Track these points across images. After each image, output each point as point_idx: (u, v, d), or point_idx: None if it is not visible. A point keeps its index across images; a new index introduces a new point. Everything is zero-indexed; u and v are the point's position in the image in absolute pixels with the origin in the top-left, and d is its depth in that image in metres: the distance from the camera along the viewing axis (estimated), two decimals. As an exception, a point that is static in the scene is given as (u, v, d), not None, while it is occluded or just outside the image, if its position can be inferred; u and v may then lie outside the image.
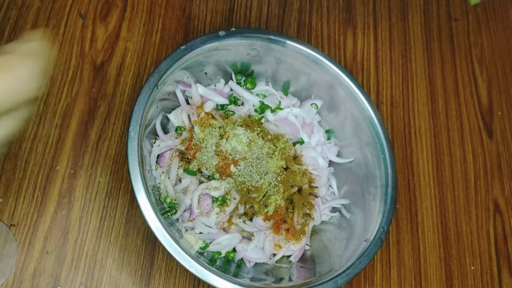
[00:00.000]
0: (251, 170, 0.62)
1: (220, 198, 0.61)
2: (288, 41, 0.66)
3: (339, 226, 0.67)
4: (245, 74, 0.70)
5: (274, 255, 0.64)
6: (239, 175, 0.62)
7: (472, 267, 0.73)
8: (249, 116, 0.68)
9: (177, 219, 0.62)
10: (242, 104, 0.69)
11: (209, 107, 0.65)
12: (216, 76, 0.69)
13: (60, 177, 0.65)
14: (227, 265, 0.62)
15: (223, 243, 0.62)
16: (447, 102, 0.83)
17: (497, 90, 0.86)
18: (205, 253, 0.61)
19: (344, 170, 0.69)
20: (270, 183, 0.62)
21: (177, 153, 0.64)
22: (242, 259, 0.63)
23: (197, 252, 0.60)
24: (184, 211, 0.62)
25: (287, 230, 0.63)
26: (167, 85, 0.61)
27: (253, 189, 0.61)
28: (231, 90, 0.69)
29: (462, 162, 0.79)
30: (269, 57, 0.67)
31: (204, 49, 0.63)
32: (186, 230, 0.62)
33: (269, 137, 0.65)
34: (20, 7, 0.73)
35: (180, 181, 0.63)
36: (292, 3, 0.84)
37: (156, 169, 0.63)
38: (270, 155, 0.64)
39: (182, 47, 0.61)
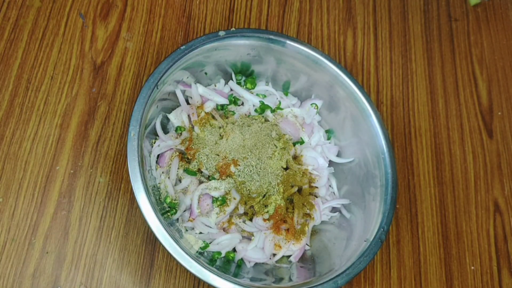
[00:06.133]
0: (251, 170, 0.62)
1: (220, 198, 0.61)
2: (288, 41, 0.66)
3: (339, 226, 0.67)
4: (245, 74, 0.70)
5: (274, 255, 0.64)
6: (239, 175, 0.62)
7: (472, 267, 0.73)
8: (249, 115, 0.68)
9: (177, 219, 0.62)
10: (242, 104, 0.69)
11: (209, 107, 0.65)
12: (216, 76, 0.69)
13: (60, 177, 0.65)
14: (227, 265, 0.62)
15: (223, 243, 0.62)
16: (447, 102, 0.83)
17: (497, 90, 0.86)
18: (205, 253, 0.61)
19: (344, 170, 0.69)
20: (270, 183, 0.62)
21: (177, 153, 0.64)
22: (242, 259, 0.63)
23: (197, 252, 0.60)
24: (184, 211, 0.62)
25: (287, 230, 0.63)
26: (167, 85, 0.61)
27: (253, 189, 0.61)
28: (231, 90, 0.69)
29: (462, 162, 0.79)
30: (269, 57, 0.67)
31: (204, 49, 0.63)
32: (186, 230, 0.62)
33: (274, 135, 0.65)
34: (20, 7, 0.73)
35: (180, 181, 0.63)
36: (292, 3, 0.84)
37: (156, 169, 0.63)
38: (270, 155, 0.64)
39: (182, 47, 0.61)
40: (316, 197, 0.67)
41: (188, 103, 0.66)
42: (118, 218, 0.65)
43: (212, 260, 0.61)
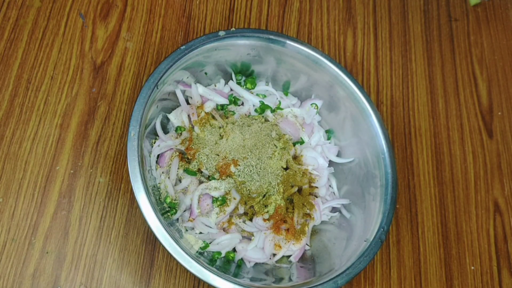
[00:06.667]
0: (251, 170, 0.62)
1: (220, 198, 0.61)
2: (288, 41, 0.66)
3: (339, 226, 0.67)
4: (245, 74, 0.70)
5: (274, 255, 0.64)
6: (239, 175, 0.62)
7: (472, 267, 0.73)
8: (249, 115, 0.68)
9: (177, 219, 0.62)
10: (242, 104, 0.69)
11: (209, 107, 0.65)
12: (216, 76, 0.69)
13: (60, 177, 0.65)
14: (227, 265, 0.62)
15: (223, 243, 0.62)
16: (447, 102, 0.83)
17: (497, 90, 0.86)
18: (205, 253, 0.61)
19: (344, 170, 0.69)
20: (270, 183, 0.62)
21: (177, 153, 0.64)
22: (242, 259, 0.63)
23: (197, 252, 0.60)
24: (184, 211, 0.62)
25: (287, 230, 0.63)
26: (167, 85, 0.61)
27: (253, 189, 0.61)
28: (231, 90, 0.69)
29: (462, 162, 0.79)
30: (269, 57, 0.67)
31: (204, 49, 0.63)
32: (186, 230, 0.62)
33: (274, 135, 0.65)
34: (20, 7, 0.73)
35: (180, 181, 0.63)
36: (292, 3, 0.84)
37: (156, 169, 0.63)
38: (270, 155, 0.64)
39: (182, 47, 0.61)
40: (316, 197, 0.67)
41: (188, 103, 0.66)
42: (118, 218, 0.65)
43: (212, 260, 0.61)
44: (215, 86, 0.69)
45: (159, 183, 0.63)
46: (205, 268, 0.52)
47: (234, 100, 0.68)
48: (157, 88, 0.59)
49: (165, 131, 0.66)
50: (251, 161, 0.62)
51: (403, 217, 0.74)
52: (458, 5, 0.91)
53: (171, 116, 0.65)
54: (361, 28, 0.85)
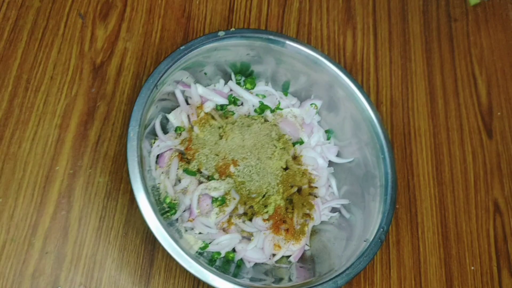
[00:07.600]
0: (250, 170, 0.62)
1: (219, 198, 0.61)
2: (287, 41, 0.66)
3: (338, 226, 0.67)
4: (245, 74, 0.70)
5: (274, 255, 0.64)
6: (239, 175, 0.62)
7: (472, 267, 0.73)
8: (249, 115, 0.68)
9: (177, 219, 0.62)
10: (242, 104, 0.69)
11: (208, 107, 0.65)
12: (215, 76, 0.69)
13: (60, 178, 0.65)
14: (227, 265, 0.62)
15: (223, 243, 0.62)
16: (446, 102, 0.83)
17: (497, 90, 0.86)
18: (205, 253, 0.61)
19: (344, 170, 0.69)
20: (270, 183, 0.62)
21: (177, 153, 0.64)
22: (241, 259, 0.63)
23: (196, 252, 0.60)
24: (184, 211, 0.62)
25: (287, 230, 0.63)
26: (166, 85, 0.61)
27: (253, 189, 0.61)
28: (231, 90, 0.69)
29: (462, 162, 0.79)
30: (269, 57, 0.67)
31: (204, 49, 0.63)
32: (186, 230, 0.62)
33: (273, 135, 0.65)
34: (20, 7, 0.73)
35: (179, 181, 0.63)
36: (292, 3, 0.84)
37: (156, 169, 0.63)
38: (270, 156, 0.64)
39: (181, 47, 0.61)
40: (316, 197, 0.67)
41: (187, 103, 0.66)
42: (117, 218, 0.65)
43: (211, 260, 0.61)
44: (215, 86, 0.69)
45: (158, 183, 0.63)
46: (204, 268, 0.52)
47: (234, 100, 0.68)
48: (157, 88, 0.59)
49: (165, 131, 0.65)
50: (251, 161, 0.62)
51: (403, 217, 0.74)
52: (457, 5, 0.91)
53: (170, 116, 0.65)
54: (361, 28, 0.85)
